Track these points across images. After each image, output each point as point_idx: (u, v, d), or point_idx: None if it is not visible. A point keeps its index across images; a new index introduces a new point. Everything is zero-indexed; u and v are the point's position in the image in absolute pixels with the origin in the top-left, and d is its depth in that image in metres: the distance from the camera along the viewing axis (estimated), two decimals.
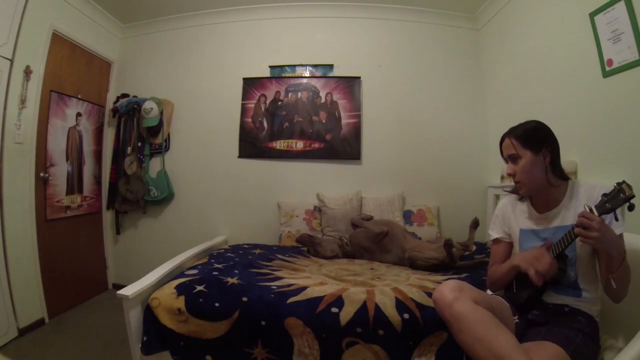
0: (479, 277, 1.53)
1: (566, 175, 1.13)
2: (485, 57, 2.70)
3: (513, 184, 1.23)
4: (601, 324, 1.08)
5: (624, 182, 0.87)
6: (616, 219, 0.93)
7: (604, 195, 0.90)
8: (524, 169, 1.10)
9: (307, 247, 2.22)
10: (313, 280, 1.57)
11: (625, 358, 0.83)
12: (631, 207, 0.88)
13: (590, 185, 1.10)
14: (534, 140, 1.10)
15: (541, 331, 1.00)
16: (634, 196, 0.85)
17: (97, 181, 2.77)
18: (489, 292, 1.25)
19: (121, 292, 1.34)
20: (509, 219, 1.24)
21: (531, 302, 1.10)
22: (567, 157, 1.57)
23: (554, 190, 1.11)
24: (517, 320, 1.08)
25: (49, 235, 2.25)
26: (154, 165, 2.84)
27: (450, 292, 0.95)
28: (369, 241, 2.12)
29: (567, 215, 1.09)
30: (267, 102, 2.78)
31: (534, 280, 0.98)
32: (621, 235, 0.99)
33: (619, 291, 0.97)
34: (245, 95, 2.80)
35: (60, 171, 2.38)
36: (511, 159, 1.14)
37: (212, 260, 1.83)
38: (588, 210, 0.90)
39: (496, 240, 1.28)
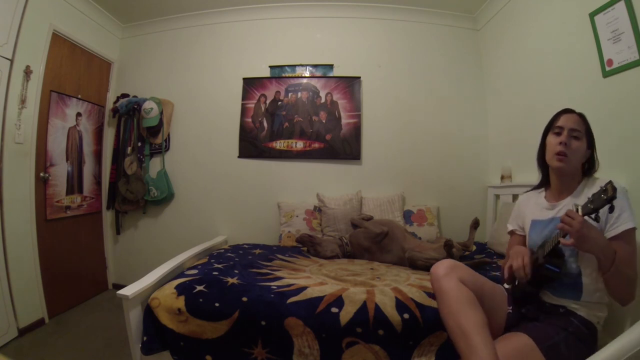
0: None
1: (591, 173, 1.15)
2: (485, 57, 2.70)
3: (512, 184, 1.24)
4: (608, 331, 1.05)
5: (610, 182, 0.87)
6: (596, 220, 0.92)
7: (594, 194, 0.91)
8: (578, 150, 1.09)
9: (307, 247, 2.22)
10: (313, 280, 1.57)
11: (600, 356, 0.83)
12: (611, 209, 0.88)
13: (600, 179, 1.11)
14: (590, 134, 1.13)
15: (527, 325, 1.03)
16: (614, 197, 0.85)
17: (97, 181, 2.77)
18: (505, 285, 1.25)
19: (121, 292, 1.34)
20: (523, 211, 1.28)
21: (526, 298, 1.12)
22: None
23: (572, 180, 1.14)
24: (510, 311, 1.11)
25: (49, 235, 2.25)
26: (154, 165, 2.84)
27: (443, 269, 1.06)
28: (368, 241, 2.12)
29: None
30: (267, 102, 2.78)
31: (503, 272, 1.08)
32: (629, 231, 0.97)
33: (621, 294, 0.97)
34: (245, 95, 2.80)
35: (60, 171, 2.38)
36: (572, 133, 1.09)
37: (212, 260, 1.83)
38: (575, 210, 0.93)
39: (511, 233, 1.34)
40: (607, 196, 0.85)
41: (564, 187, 1.14)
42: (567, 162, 1.08)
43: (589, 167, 1.14)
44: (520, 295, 1.12)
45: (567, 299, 1.06)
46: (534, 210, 1.22)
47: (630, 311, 1.05)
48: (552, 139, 1.13)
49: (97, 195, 2.76)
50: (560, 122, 1.12)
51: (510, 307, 1.12)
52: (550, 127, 1.16)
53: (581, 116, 1.14)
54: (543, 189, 1.25)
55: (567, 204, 1.11)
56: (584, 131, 1.10)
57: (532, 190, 1.31)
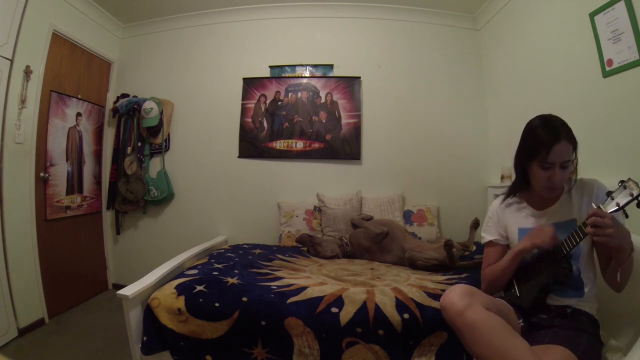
0: (479, 277, 1.53)
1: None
2: (485, 57, 2.70)
3: (509, 184, 1.22)
4: (600, 321, 1.07)
5: (629, 179, 0.86)
6: (626, 216, 0.91)
7: (609, 192, 0.90)
8: (567, 175, 1.03)
9: (307, 247, 2.22)
10: (313, 280, 1.57)
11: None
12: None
13: (585, 180, 1.10)
14: (576, 143, 1.04)
15: (546, 334, 0.99)
16: None
17: (97, 181, 2.77)
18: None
19: (121, 292, 1.35)
20: (504, 219, 1.22)
21: (535, 306, 1.08)
22: None
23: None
24: (522, 324, 1.07)
25: (49, 235, 2.25)
26: (154, 165, 2.84)
27: (461, 299, 0.91)
28: (369, 241, 2.12)
29: (566, 211, 1.09)
30: (267, 102, 2.78)
31: (546, 245, 0.99)
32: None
33: (623, 282, 0.97)
34: (245, 95, 2.80)
35: (60, 171, 2.38)
36: (563, 165, 1.00)
37: (212, 260, 1.83)
38: (596, 209, 0.89)
39: (491, 243, 1.24)
40: (635, 193, 0.84)
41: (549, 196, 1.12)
42: (558, 191, 1.07)
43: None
44: (530, 305, 1.08)
45: (570, 298, 1.06)
46: (519, 218, 1.17)
47: (616, 301, 1.06)
48: (539, 173, 1.03)
49: (97, 195, 2.76)
50: (552, 157, 0.99)
51: (521, 320, 1.08)
52: (536, 155, 1.02)
53: (568, 137, 1.01)
54: (518, 194, 1.19)
55: (559, 209, 1.10)
56: (572, 153, 1.02)
57: (504, 195, 1.23)
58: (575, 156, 1.05)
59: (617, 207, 0.87)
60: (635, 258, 0.97)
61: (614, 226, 0.86)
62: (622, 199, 0.87)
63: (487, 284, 1.20)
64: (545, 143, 1.00)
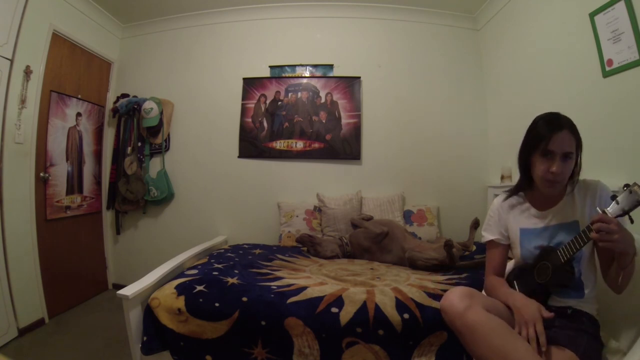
0: (479, 277, 1.53)
1: (574, 175, 1.09)
2: (485, 57, 2.70)
3: (512, 184, 1.21)
4: (601, 322, 1.07)
5: (635, 184, 0.85)
6: (631, 222, 0.89)
7: (614, 196, 0.89)
8: (569, 170, 1.02)
9: (307, 247, 2.22)
10: (313, 281, 1.57)
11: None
12: None
13: (589, 181, 1.09)
14: (580, 140, 1.03)
15: (547, 335, 0.97)
16: None
17: (97, 181, 2.77)
18: None
19: (121, 292, 1.35)
20: (505, 219, 1.20)
21: None
22: None
23: (560, 189, 1.10)
24: None
25: (49, 235, 2.25)
26: (154, 165, 2.84)
27: (461, 301, 0.91)
28: (369, 241, 2.12)
29: (569, 212, 1.08)
30: (267, 102, 2.78)
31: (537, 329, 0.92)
32: None
33: (624, 284, 0.97)
34: (245, 95, 2.80)
35: (60, 171, 2.38)
36: (564, 156, 0.99)
37: (212, 260, 1.83)
38: (601, 214, 0.88)
39: (492, 243, 1.22)
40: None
41: (552, 196, 1.10)
42: (558, 186, 1.04)
43: (574, 171, 1.08)
44: None
45: (571, 299, 1.06)
46: (520, 218, 1.16)
47: (616, 302, 1.06)
48: (540, 163, 1.02)
49: (97, 195, 2.76)
50: (552, 145, 0.98)
51: None
52: (537, 143, 1.02)
53: (571, 129, 1.01)
54: (522, 193, 1.18)
55: (562, 210, 1.09)
56: (575, 146, 1.01)
57: (507, 193, 1.22)
58: (579, 156, 1.04)
59: (622, 213, 0.86)
60: (636, 260, 0.97)
61: (620, 232, 0.85)
62: (627, 204, 0.86)
63: (487, 293, 1.19)
64: (546, 131, 1.00)
